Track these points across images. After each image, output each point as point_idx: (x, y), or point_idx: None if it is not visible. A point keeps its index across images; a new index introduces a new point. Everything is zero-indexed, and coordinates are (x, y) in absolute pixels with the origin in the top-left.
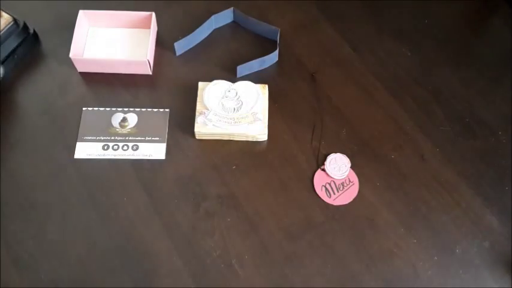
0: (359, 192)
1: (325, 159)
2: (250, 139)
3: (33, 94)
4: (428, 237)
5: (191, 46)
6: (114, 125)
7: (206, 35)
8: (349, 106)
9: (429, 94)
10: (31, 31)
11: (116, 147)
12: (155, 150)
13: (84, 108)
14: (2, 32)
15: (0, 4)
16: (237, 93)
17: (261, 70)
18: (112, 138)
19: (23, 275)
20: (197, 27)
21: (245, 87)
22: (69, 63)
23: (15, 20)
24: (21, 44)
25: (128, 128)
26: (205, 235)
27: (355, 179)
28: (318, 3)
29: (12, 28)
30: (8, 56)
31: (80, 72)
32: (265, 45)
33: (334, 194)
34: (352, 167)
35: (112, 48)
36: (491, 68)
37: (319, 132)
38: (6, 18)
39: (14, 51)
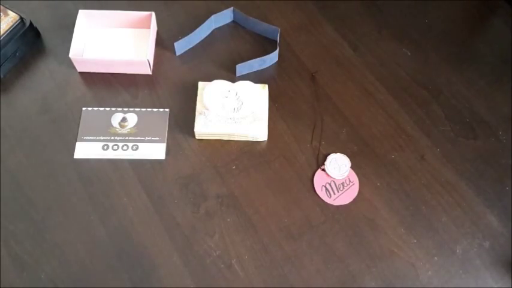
0: (359, 192)
1: (325, 159)
2: (250, 139)
3: (33, 94)
4: (428, 237)
5: (191, 46)
6: (114, 125)
7: (206, 34)
8: (349, 106)
9: (429, 94)
10: (35, 30)
11: (115, 147)
12: (155, 150)
13: (84, 108)
14: (9, 31)
15: (0, 3)
16: (237, 93)
17: (261, 70)
18: (112, 138)
19: (23, 275)
20: (197, 27)
21: (245, 87)
22: (69, 63)
23: (21, 19)
24: (24, 43)
25: (127, 128)
26: (205, 235)
27: (355, 179)
28: (318, 3)
29: (19, 26)
30: (10, 55)
31: (80, 72)
32: (265, 45)
33: (334, 194)
34: (352, 167)
35: (112, 48)
36: (491, 68)
37: (319, 132)
38: (13, 16)
39: (16, 50)
